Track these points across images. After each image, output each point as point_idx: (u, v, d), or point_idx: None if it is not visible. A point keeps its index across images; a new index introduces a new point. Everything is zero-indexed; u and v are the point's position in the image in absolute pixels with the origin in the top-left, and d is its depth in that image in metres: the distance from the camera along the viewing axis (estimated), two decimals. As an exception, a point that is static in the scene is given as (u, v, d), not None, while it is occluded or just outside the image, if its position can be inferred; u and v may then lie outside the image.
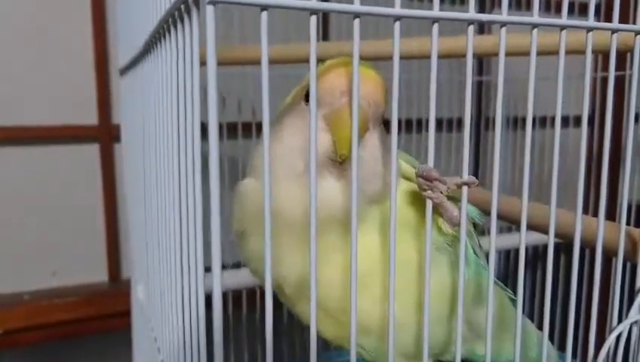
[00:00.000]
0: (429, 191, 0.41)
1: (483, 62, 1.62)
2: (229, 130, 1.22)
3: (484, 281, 0.47)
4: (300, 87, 0.46)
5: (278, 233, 0.43)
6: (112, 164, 1.27)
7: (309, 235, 0.36)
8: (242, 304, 1.23)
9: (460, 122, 1.48)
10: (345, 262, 0.42)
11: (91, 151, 1.27)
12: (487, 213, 0.47)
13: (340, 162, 0.41)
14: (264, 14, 0.30)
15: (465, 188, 0.41)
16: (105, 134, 1.26)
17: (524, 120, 1.44)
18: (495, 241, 0.43)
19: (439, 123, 1.43)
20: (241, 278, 1.16)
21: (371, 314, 0.44)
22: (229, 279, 1.16)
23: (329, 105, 0.42)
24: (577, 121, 1.44)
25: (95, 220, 1.30)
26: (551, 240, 0.44)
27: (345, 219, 0.41)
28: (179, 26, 0.39)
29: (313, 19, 0.32)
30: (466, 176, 0.41)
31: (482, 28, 1.45)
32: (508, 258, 1.46)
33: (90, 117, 1.25)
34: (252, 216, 0.45)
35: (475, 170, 1.56)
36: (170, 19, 0.41)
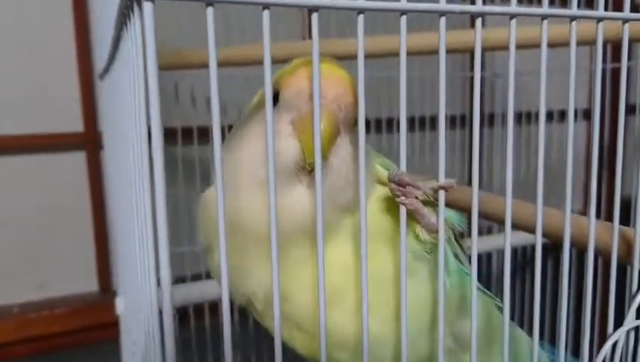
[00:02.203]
0: (403, 198, 0.38)
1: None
2: (200, 135, 1.20)
3: (468, 289, 0.44)
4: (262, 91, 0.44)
5: (243, 246, 0.41)
6: (99, 172, 1.25)
7: (279, 247, 0.34)
8: (205, 316, 1.20)
9: (452, 120, 1.45)
10: (315, 276, 0.39)
11: (78, 160, 1.25)
12: (480, 214, 0.45)
13: (309, 170, 0.38)
14: (266, 13, 0.29)
15: (442, 193, 0.38)
16: (91, 141, 1.24)
17: (526, 115, 1.42)
18: (480, 244, 0.40)
19: (427, 121, 1.40)
20: (205, 290, 1.15)
21: (347, 328, 0.41)
22: (192, 291, 1.15)
23: (296, 109, 0.39)
24: (583, 115, 1.43)
25: (84, 229, 1.27)
26: (538, 242, 0.42)
27: (314, 229, 0.39)
28: (129, 26, 0.36)
29: (315, 16, 0.31)
30: (443, 179, 0.38)
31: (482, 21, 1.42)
32: (499, 259, 1.43)
33: (75, 124, 1.23)
34: (216, 229, 0.42)
35: (470, 170, 1.53)
36: (122, 19, 0.39)
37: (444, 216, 0.38)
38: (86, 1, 1.20)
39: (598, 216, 0.46)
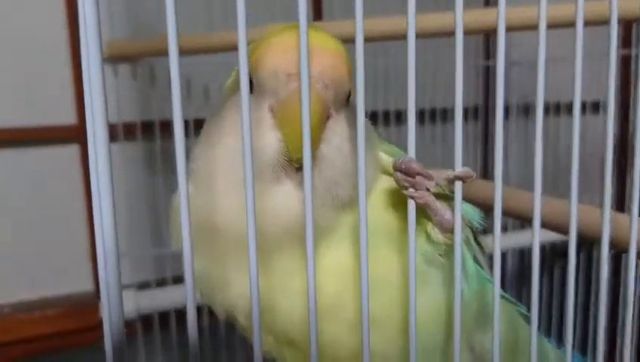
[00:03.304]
0: (411, 190, 0.32)
1: (490, 45, 1.51)
2: (197, 127, 1.13)
3: (490, 297, 0.38)
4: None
5: (222, 254, 0.35)
6: (93, 166, 1.20)
7: (265, 254, 0.28)
8: (171, 324, 1.13)
9: (465, 112, 1.38)
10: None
11: (70, 153, 1.19)
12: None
13: (296, 167, 0.32)
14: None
15: (459, 184, 0.32)
16: (84, 134, 1.17)
17: (544, 107, 1.33)
18: (503, 242, 0.34)
19: (433, 113, 1.33)
20: (171, 297, 1.10)
21: (345, 345, 0.35)
22: (156, 298, 1.09)
23: (274, 92, 0.33)
24: (594, 107, 1.35)
25: (77, 225, 1.22)
26: (572, 240, 0.35)
27: (298, 231, 0.33)
28: None
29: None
30: (460, 168, 0.32)
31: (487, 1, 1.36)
32: (522, 258, 1.35)
33: (67, 116, 1.18)
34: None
35: (484, 164, 1.46)
36: None
37: (461, 212, 0.32)
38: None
39: (619, 209, 0.39)
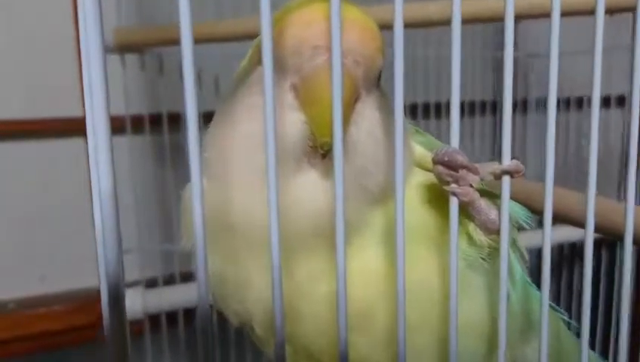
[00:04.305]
0: (454, 185, 0.28)
1: (499, 35, 1.46)
2: (207, 120, 1.10)
3: (534, 305, 0.34)
4: (255, 42, 0.33)
5: (237, 253, 0.32)
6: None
7: (286, 254, 0.25)
8: (179, 323, 1.10)
9: (482, 106, 1.34)
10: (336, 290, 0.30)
11: (77, 146, 1.17)
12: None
13: (323, 153, 0.29)
14: None
15: (506, 179, 0.28)
16: (91, 127, 1.15)
17: (565, 101, 1.29)
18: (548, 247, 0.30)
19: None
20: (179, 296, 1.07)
21: (375, 358, 0.32)
22: (164, 297, 1.06)
23: (297, 69, 0.29)
24: (620, 100, 1.31)
25: (84, 219, 1.19)
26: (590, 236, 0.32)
27: (334, 229, 0.29)
28: None
29: None
30: (508, 160, 0.28)
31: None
32: (534, 259, 1.31)
33: (73, 108, 1.15)
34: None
35: (498, 159, 1.41)
36: None
37: (508, 211, 0.28)
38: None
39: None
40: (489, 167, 0.28)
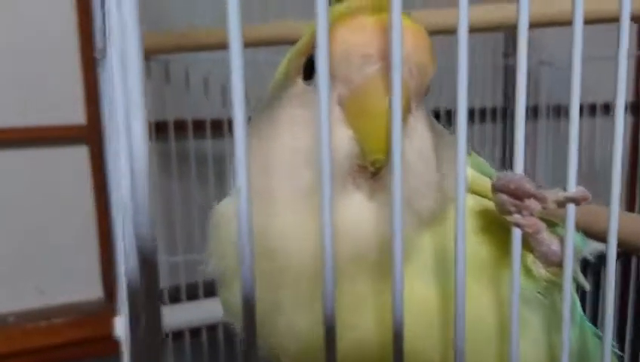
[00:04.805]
0: (518, 216, 0.25)
1: (509, 42, 1.45)
2: (214, 128, 1.08)
3: (592, 343, 0.32)
4: (293, 51, 0.31)
5: (271, 280, 0.29)
6: (103, 167, 1.14)
7: (322, 285, 0.23)
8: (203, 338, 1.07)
9: (493, 112, 1.32)
10: (382, 323, 0.28)
11: (80, 154, 1.14)
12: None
13: (373, 171, 0.26)
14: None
15: (572, 208, 0.26)
16: (94, 135, 1.13)
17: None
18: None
19: (470, 113, 1.27)
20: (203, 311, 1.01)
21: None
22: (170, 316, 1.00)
23: (345, 79, 0.27)
24: (631, 108, 1.29)
25: (87, 230, 1.17)
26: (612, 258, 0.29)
27: (381, 256, 0.27)
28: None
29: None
30: (574, 187, 0.26)
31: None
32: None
33: (76, 116, 1.12)
34: (234, 254, 0.30)
35: (503, 167, 1.39)
36: None
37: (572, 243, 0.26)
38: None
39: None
40: (553, 194, 0.26)
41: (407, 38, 0.26)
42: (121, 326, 0.65)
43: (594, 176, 1.31)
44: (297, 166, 0.27)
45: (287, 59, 0.32)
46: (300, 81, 0.29)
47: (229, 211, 0.31)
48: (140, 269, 0.19)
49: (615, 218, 0.26)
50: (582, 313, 0.34)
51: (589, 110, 1.30)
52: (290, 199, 0.27)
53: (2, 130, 1.08)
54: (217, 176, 1.07)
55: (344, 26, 0.27)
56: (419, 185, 0.27)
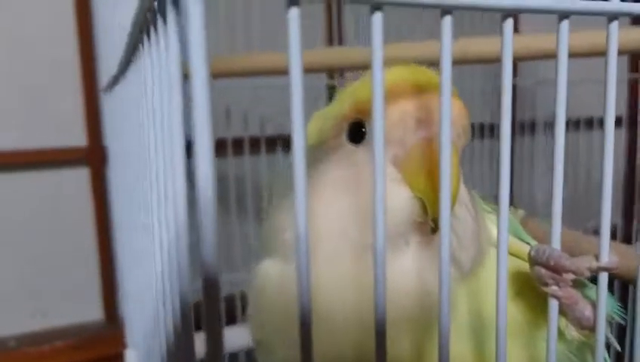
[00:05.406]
0: (556, 288, 0.26)
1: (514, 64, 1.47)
2: (235, 146, 1.09)
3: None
4: (331, 113, 0.31)
5: (326, 347, 0.29)
6: (103, 189, 1.14)
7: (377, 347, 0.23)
8: None
9: (491, 128, 1.33)
10: None
11: (81, 176, 1.14)
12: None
13: (433, 227, 0.27)
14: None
15: (604, 276, 0.26)
16: (95, 157, 1.13)
17: (567, 124, 1.30)
18: None
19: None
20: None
21: None
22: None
23: (398, 142, 0.28)
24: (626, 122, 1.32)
25: (87, 251, 1.16)
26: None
27: (423, 313, 0.27)
28: (153, 32, 0.26)
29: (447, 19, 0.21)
30: (606, 256, 0.26)
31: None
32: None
33: (78, 138, 1.12)
34: (278, 320, 0.30)
35: (497, 182, 1.40)
36: (143, 24, 0.28)
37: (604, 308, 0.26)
38: (90, 10, 1.09)
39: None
40: (586, 262, 0.27)
41: (454, 102, 0.27)
42: (132, 358, 0.65)
43: (593, 190, 1.32)
44: (350, 227, 0.28)
45: (322, 115, 0.32)
46: (344, 140, 0.30)
47: (269, 275, 0.31)
48: (204, 296, 0.19)
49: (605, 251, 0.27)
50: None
51: (586, 125, 1.31)
52: (342, 261, 0.28)
53: (3, 153, 1.07)
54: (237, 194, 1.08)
55: (399, 89, 0.28)
56: (464, 235, 0.28)
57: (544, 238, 0.29)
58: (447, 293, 0.23)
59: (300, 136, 0.20)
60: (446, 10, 0.22)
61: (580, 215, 1.15)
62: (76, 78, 1.11)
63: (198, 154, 0.19)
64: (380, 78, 0.21)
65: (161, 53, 0.25)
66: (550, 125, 1.40)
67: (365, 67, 0.23)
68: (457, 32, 0.24)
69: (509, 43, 0.24)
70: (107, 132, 1.01)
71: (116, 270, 1.17)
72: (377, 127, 0.21)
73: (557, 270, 0.26)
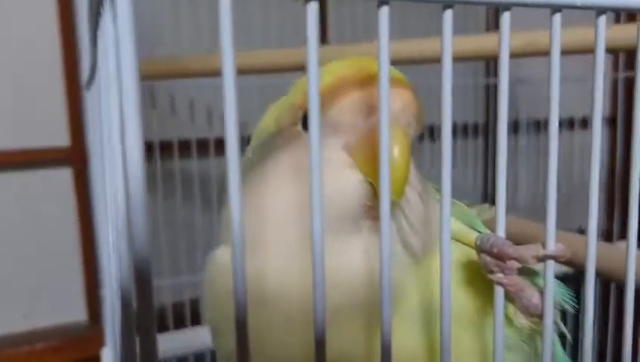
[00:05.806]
0: (500, 275, 0.27)
1: (489, 63, 1.49)
2: (200, 147, 1.10)
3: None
4: (287, 103, 0.32)
5: (268, 329, 0.30)
6: (86, 189, 1.14)
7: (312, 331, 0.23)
8: None
9: (475, 128, 1.34)
10: None
11: (63, 176, 1.13)
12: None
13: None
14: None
15: (551, 264, 0.27)
16: (78, 157, 1.12)
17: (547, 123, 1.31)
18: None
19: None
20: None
21: None
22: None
23: (349, 129, 0.29)
24: (584, 123, 1.34)
25: (70, 252, 1.16)
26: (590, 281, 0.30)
27: (372, 298, 0.28)
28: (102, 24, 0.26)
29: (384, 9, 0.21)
30: (552, 244, 0.27)
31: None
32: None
33: (60, 138, 1.12)
34: (225, 307, 0.31)
35: (484, 186, 1.41)
36: (96, 17, 0.28)
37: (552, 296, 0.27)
38: (72, 8, 1.09)
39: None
40: (532, 250, 0.27)
41: (404, 92, 0.28)
42: (108, 358, 0.65)
43: (573, 189, 1.34)
44: (298, 213, 0.28)
45: (276, 108, 0.33)
46: (299, 129, 0.31)
47: (220, 263, 0.32)
48: (136, 291, 0.20)
49: (592, 253, 0.28)
50: (563, 353, 0.35)
51: (567, 125, 1.33)
52: (294, 245, 0.28)
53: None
54: (202, 193, 1.08)
55: (351, 78, 0.29)
56: (415, 220, 0.29)
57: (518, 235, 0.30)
58: (388, 277, 0.23)
59: (232, 122, 0.20)
60: (447, 5, 0.22)
61: (559, 214, 1.16)
62: (59, 78, 1.10)
63: (128, 143, 0.19)
64: (386, 71, 0.22)
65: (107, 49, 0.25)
66: (534, 124, 1.42)
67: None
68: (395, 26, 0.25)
69: (506, 37, 0.24)
70: (89, 130, 1.01)
71: (100, 269, 1.17)
72: (313, 119, 0.22)
73: (501, 257, 0.27)
